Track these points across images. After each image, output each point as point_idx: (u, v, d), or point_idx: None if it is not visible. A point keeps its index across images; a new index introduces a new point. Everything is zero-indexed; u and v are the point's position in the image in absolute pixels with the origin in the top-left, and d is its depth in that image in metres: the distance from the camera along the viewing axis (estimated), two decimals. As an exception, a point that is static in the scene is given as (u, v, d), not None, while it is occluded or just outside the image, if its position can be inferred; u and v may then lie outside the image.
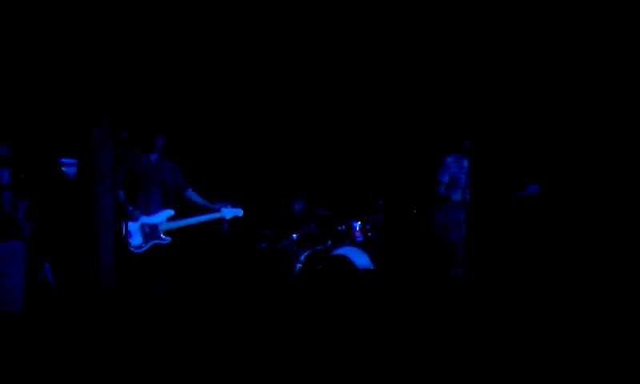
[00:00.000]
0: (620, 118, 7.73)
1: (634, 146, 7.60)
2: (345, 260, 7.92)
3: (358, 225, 8.50)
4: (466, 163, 7.94)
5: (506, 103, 8.27)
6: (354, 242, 8.36)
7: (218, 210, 7.43)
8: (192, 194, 7.44)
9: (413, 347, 5.56)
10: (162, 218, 7.13)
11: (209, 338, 5.91)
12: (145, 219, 7.06)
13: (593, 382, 4.43)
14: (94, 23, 6.75)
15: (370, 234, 8.53)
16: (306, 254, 8.26)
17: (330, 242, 8.45)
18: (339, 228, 8.52)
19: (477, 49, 8.37)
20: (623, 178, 7.61)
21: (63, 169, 7.21)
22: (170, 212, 7.18)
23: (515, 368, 4.89)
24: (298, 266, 8.19)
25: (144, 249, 7.00)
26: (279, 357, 5.33)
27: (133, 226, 6.96)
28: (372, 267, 8.09)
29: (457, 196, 7.93)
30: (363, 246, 8.30)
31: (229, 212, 7.47)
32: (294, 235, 8.44)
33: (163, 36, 8.12)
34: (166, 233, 7.12)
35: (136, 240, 6.98)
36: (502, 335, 5.77)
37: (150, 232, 7.05)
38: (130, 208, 7.01)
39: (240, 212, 7.54)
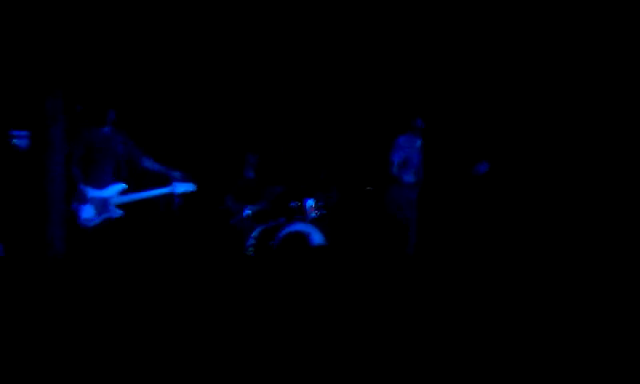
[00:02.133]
0: (565, 92, 7.86)
1: (576, 117, 7.73)
2: (300, 236, 7.97)
3: (311, 202, 8.56)
4: (418, 143, 8.01)
5: (458, 81, 8.36)
6: (306, 219, 8.42)
7: (170, 185, 7.41)
8: (148, 162, 7.41)
9: (365, 325, 5.61)
10: (113, 191, 7.11)
11: (154, 315, 5.91)
12: (97, 193, 7.03)
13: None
14: None
15: (323, 211, 8.59)
16: (259, 229, 8.30)
17: (283, 218, 8.51)
18: (292, 205, 8.57)
19: (429, 28, 8.44)
20: (571, 156, 7.74)
21: (15, 141, 7.16)
22: (123, 186, 7.15)
23: (464, 346, 4.95)
24: (251, 241, 8.23)
25: (95, 222, 6.97)
26: (224, 335, 5.35)
27: (84, 200, 6.94)
28: (325, 244, 8.16)
29: (409, 176, 7.99)
30: (316, 223, 8.36)
31: (181, 187, 7.44)
32: (248, 211, 8.47)
33: (112, 8, 8.07)
34: (118, 206, 7.11)
35: (87, 213, 6.95)
36: (454, 314, 5.84)
37: (102, 206, 7.03)
38: (82, 182, 6.98)
39: (192, 187, 7.51)
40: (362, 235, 8.73)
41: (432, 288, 6.89)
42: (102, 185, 7.07)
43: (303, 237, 7.98)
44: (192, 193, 7.54)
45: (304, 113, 9.51)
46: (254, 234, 8.24)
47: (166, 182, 7.42)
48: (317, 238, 8.12)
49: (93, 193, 7.00)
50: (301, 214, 8.47)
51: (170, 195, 7.39)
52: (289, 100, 9.44)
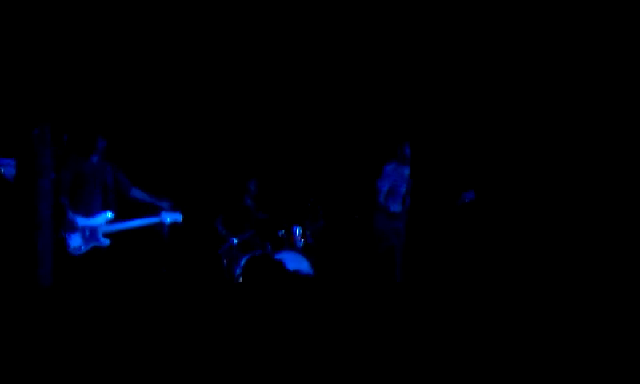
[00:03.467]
0: (553, 127, 7.94)
1: (567, 153, 7.81)
2: (283, 266, 7.97)
3: (298, 230, 8.57)
4: (406, 171, 8.03)
5: (446, 111, 8.43)
6: (294, 248, 8.43)
7: (158, 214, 7.40)
8: (136, 192, 7.42)
9: (350, 350, 5.61)
10: (101, 220, 7.09)
11: (141, 342, 5.87)
12: (85, 222, 7.01)
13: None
14: (33, 25, 6.71)
15: (310, 239, 8.60)
16: (246, 258, 8.29)
17: (270, 246, 8.51)
18: (279, 233, 8.58)
19: (416, 56, 8.51)
20: (556, 185, 7.81)
21: (1, 169, 7.13)
22: (110, 215, 7.14)
23: (450, 368, 4.96)
24: (238, 270, 8.22)
25: (83, 251, 6.95)
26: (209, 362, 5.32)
27: (72, 228, 6.92)
28: (311, 272, 8.16)
29: (396, 205, 8.00)
30: (303, 251, 8.37)
31: (168, 216, 7.44)
32: (235, 240, 8.46)
33: (101, 39, 8.09)
34: (106, 235, 7.08)
35: (75, 242, 6.93)
36: (441, 337, 5.85)
37: (90, 235, 7.00)
38: (71, 210, 6.96)
39: (179, 217, 7.51)
40: (348, 263, 8.74)
41: (421, 312, 6.90)
42: (90, 213, 7.05)
43: (286, 266, 7.98)
44: (179, 223, 7.54)
45: (291, 140, 9.53)
46: (242, 262, 8.23)
47: (155, 211, 7.42)
48: (304, 266, 8.13)
49: (81, 221, 6.98)
50: (288, 243, 8.47)
51: (159, 224, 7.38)
52: (276, 128, 9.47)
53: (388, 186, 7.96)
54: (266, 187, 9.12)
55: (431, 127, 8.38)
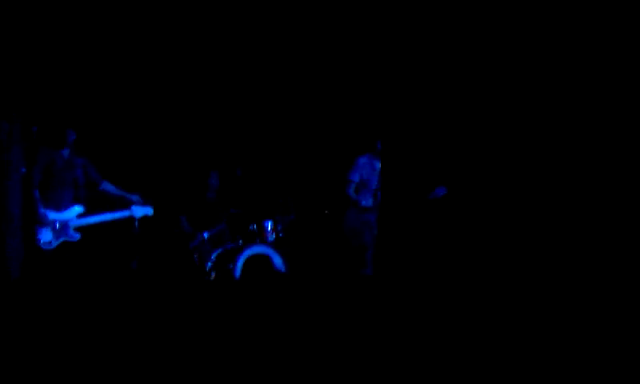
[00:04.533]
0: (528, 120, 7.98)
1: (541, 149, 7.85)
2: (263, 258, 7.99)
3: (269, 224, 8.57)
4: (378, 165, 8.03)
5: (418, 104, 8.44)
6: (265, 242, 8.42)
7: (129, 208, 7.38)
8: (107, 186, 7.39)
9: (325, 346, 5.62)
10: (72, 214, 7.05)
11: (113, 339, 5.83)
12: (55, 216, 6.96)
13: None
14: (3, 18, 6.63)
15: (281, 233, 8.61)
16: (217, 252, 8.28)
17: (241, 241, 8.50)
18: (251, 227, 8.57)
19: (390, 47, 8.52)
20: (530, 179, 7.85)
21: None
22: (81, 209, 7.11)
23: (424, 363, 4.98)
24: (209, 264, 8.20)
25: (54, 245, 6.90)
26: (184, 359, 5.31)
27: (43, 223, 6.86)
28: (284, 266, 8.17)
29: (367, 200, 8.01)
30: (275, 245, 8.37)
31: (139, 210, 7.43)
32: (206, 234, 8.43)
33: (72, 31, 8.00)
34: (77, 229, 7.04)
35: (45, 237, 6.88)
36: (414, 332, 5.88)
37: (60, 229, 6.96)
38: (41, 204, 6.91)
39: (150, 210, 7.50)
40: (320, 257, 8.76)
41: (394, 307, 6.93)
42: (60, 207, 7.01)
43: (266, 259, 7.99)
44: (149, 216, 7.52)
45: (261, 134, 9.51)
46: (213, 256, 8.21)
47: (125, 204, 7.39)
48: (276, 260, 8.13)
49: (51, 215, 6.93)
50: (260, 237, 8.47)
51: (130, 218, 7.36)
52: (246, 121, 9.44)
53: (359, 178, 7.97)
54: (237, 181, 9.10)
55: (404, 120, 8.39)
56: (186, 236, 8.53)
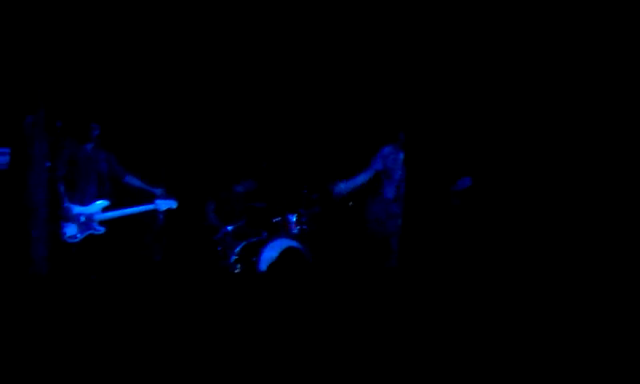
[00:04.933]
0: (548, 112, 7.92)
1: (563, 142, 7.79)
2: (297, 251, 8.00)
3: (293, 217, 8.56)
4: (401, 156, 7.98)
5: (441, 96, 8.39)
6: (289, 235, 8.41)
7: (153, 202, 7.40)
8: (130, 179, 7.42)
9: (351, 339, 5.59)
10: (97, 208, 7.08)
11: (138, 332, 5.85)
12: (80, 210, 7.00)
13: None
14: (29, 12, 6.67)
15: (305, 226, 8.59)
16: (241, 246, 8.28)
17: (265, 233, 8.50)
18: (275, 220, 8.56)
19: (412, 41, 8.48)
20: (551, 173, 7.80)
21: (-3, 159, 7.11)
22: (106, 202, 7.14)
23: (447, 357, 4.94)
24: (233, 257, 8.21)
25: (79, 239, 6.94)
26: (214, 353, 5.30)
27: (68, 217, 6.90)
28: (309, 259, 8.16)
29: (391, 190, 7.97)
30: (299, 238, 8.36)
31: (163, 204, 7.44)
32: (229, 227, 8.44)
33: (95, 25, 8.05)
34: (101, 223, 7.08)
35: (71, 230, 6.92)
36: (437, 325, 5.84)
37: (85, 222, 7.00)
38: (66, 198, 6.95)
39: (174, 204, 7.51)
40: (344, 250, 8.73)
41: (417, 299, 6.89)
42: (85, 202, 7.04)
43: (300, 252, 7.99)
44: (174, 209, 7.54)
45: (286, 127, 9.50)
46: (237, 250, 8.22)
47: (149, 198, 7.41)
48: (304, 252, 8.14)
49: (76, 210, 6.96)
50: (284, 230, 8.46)
51: (154, 212, 7.38)
52: (271, 115, 9.44)
53: (382, 166, 7.89)
54: (262, 175, 9.09)
55: (427, 112, 8.34)
56: (211, 229, 8.55)
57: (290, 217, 8.54)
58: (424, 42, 8.45)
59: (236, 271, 8.16)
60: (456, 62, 8.37)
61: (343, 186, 7.76)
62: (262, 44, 8.89)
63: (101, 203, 7.11)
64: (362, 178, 7.87)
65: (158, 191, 7.46)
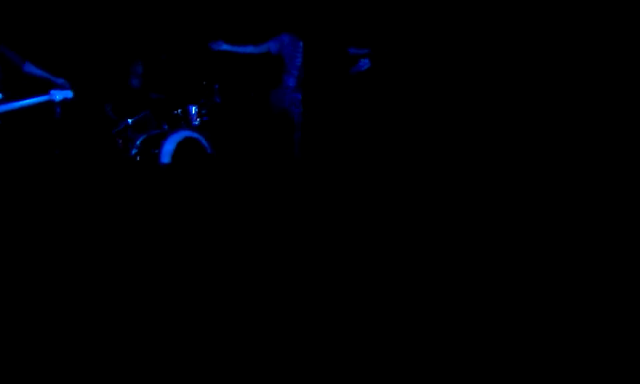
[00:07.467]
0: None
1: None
2: (194, 142, 7.96)
3: (194, 109, 8.47)
4: (300, 44, 7.97)
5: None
6: (190, 127, 8.34)
7: (47, 92, 7.15)
8: (30, 67, 7.12)
9: (254, 230, 5.64)
10: (-13, 102, 6.82)
11: (36, 226, 5.76)
12: (-30, 103, 6.73)
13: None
14: None
15: (206, 117, 8.52)
16: (141, 138, 8.16)
17: (166, 126, 8.41)
18: (175, 112, 8.46)
19: None
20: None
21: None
22: (-2, 96, 6.87)
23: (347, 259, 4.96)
24: (134, 151, 8.09)
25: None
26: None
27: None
28: (210, 151, 8.13)
29: (292, 79, 7.97)
30: (200, 129, 8.30)
31: (58, 94, 7.19)
32: (129, 120, 8.29)
33: None
34: (-6, 117, 6.83)
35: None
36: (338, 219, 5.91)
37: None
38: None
39: (70, 93, 7.26)
40: (246, 141, 8.73)
41: (321, 190, 6.99)
42: (-24, 94, 6.77)
43: (196, 143, 7.95)
44: (71, 100, 7.31)
45: (186, 18, 9.30)
46: (137, 142, 8.10)
47: (44, 90, 7.16)
48: (204, 144, 8.10)
49: (-33, 103, 6.70)
50: (185, 122, 8.38)
51: (50, 103, 7.13)
52: (172, 7, 9.21)
53: (276, 49, 7.87)
54: (161, 67, 8.93)
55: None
56: (110, 122, 8.39)
57: (190, 108, 8.44)
58: None
59: (136, 162, 8.05)
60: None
61: (224, 46, 7.74)
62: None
63: (-8, 97, 6.85)
64: (249, 49, 7.86)
65: (60, 81, 7.18)
